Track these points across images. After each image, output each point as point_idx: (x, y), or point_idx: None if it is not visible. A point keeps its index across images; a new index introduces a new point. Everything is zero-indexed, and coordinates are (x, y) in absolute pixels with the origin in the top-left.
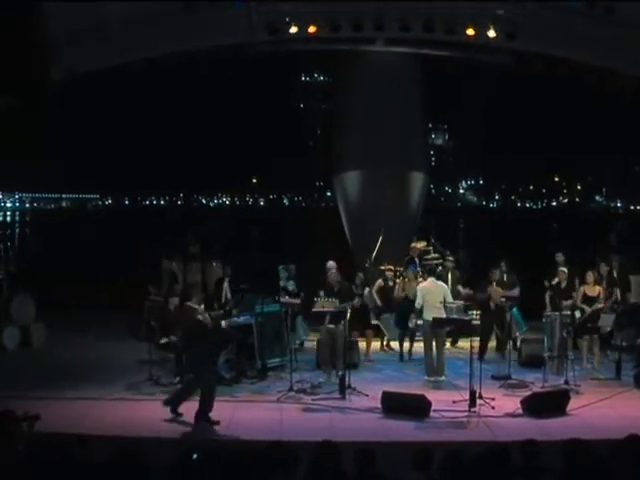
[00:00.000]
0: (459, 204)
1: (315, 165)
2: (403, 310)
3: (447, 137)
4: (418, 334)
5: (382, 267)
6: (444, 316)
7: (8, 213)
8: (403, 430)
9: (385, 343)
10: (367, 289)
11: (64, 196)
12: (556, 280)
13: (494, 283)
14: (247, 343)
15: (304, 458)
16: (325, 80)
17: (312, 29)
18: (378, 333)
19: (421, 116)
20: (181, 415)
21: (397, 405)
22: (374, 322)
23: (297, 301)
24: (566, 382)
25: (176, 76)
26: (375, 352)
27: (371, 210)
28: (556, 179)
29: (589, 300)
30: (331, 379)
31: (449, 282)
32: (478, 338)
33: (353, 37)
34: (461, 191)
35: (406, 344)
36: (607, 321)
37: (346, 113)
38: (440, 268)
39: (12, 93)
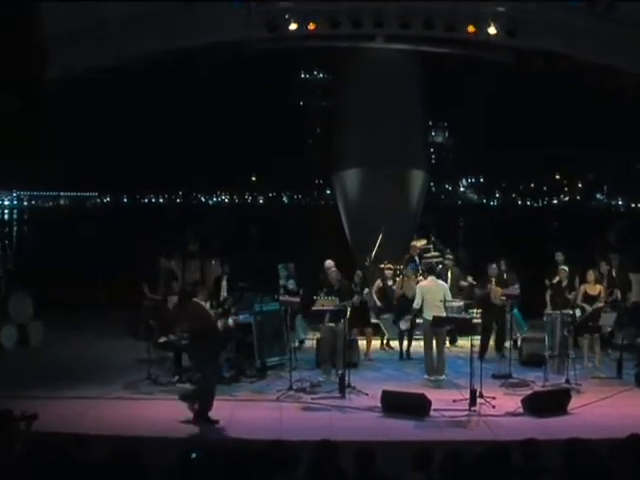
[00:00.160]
0: (459, 202)
1: (314, 163)
2: (402, 309)
3: (447, 135)
4: (418, 333)
5: (382, 266)
6: (444, 315)
7: (6, 211)
8: (403, 429)
9: (385, 342)
10: (367, 290)
11: (62, 194)
12: (557, 279)
13: (493, 280)
14: (246, 342)
15: (304, 457)
16: (325, 77)
17: (311, 26)
18: (378, 332)
19: (421, 114)
20: (217, 422)
21: (397, 404)
22: (374, 321)
23: (296, 300)
24: (567, 381)
25: (175, 74)
26: (375, 351)
27: (371, 208)
28: (557, 177)
29: (590, 299)
30: (330, 378)
31: (448, 280)
32: (478, 337)
33: (353, 34)
34: (461, 189)
35: (406, 342)
36: (608, 320)
37: (346, 111)
38: (440, 266)
39: (10, 92)
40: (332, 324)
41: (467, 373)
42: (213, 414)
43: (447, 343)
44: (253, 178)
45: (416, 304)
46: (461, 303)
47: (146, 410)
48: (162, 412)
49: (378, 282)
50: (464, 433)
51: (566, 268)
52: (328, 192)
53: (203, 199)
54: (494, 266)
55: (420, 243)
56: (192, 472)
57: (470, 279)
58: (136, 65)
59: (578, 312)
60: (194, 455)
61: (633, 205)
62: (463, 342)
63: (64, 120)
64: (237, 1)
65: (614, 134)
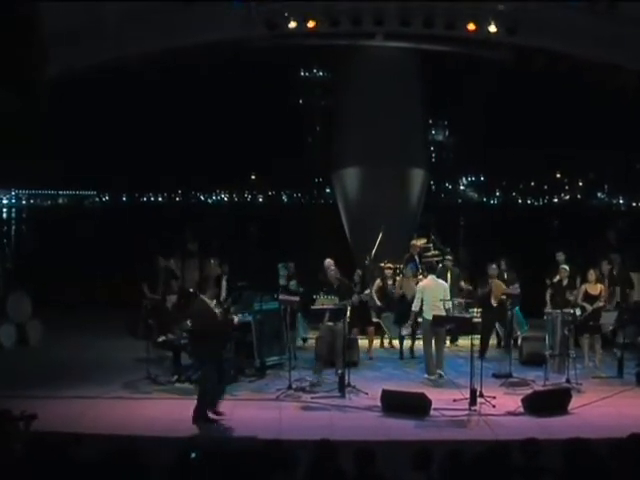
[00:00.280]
0: (459, 201)
1: (314, 162)
2: (402, 308)
3: (447, 133)
4: (418, 332)
5: (381, 265)
6: (444, 314)
7: (4, 210)
8: (403, 429)
9: (388, 341)
10: (367, 290)
11: (61, 193)
12: (557, 278)
13: (494, 279)
14: (246, 341)
15: (303, 457)
16: (324, 76)
17: (311, 24)
18: (378, 331)
19: (421, 112)
20: (222, 414)
21: (397, 404)
22: (375, 320)
23: (296, 299)
24: (567, 380)
25: (174, 73)
26: (374, 350)
27: (371, 207)
28: (557, 175)
29: (591, 298)
30: (322, 377)
31: (448, 280)
32: (479, 336)
33: (352, 32)
34: (461, 188)
35: (408, 342)
36: (609, 319)
37: (346, 109)
38: (440, 266)
39: (9, 91)
40: (331, 323)
41: (467, 372)
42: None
43: (447, 342)
44: (252, 177)
45: (415, 306)
46: (462, 301)
47: (145, 410)
48: (161, 412)
49: (378, 281)
50: (464, 433)
51: (567, 267)
52: (328, 191)
53: (202, 198)
54: (494, 266)
55: (420, 242)
56: (191, 472)
57: (467, 285)
58: (135, 64)
59: (578, 311)
60: (194, 455)
61: (634, 204)
62: (464, 342)
63: (63, 119)
64: (237, 1)
65: (615, 133)
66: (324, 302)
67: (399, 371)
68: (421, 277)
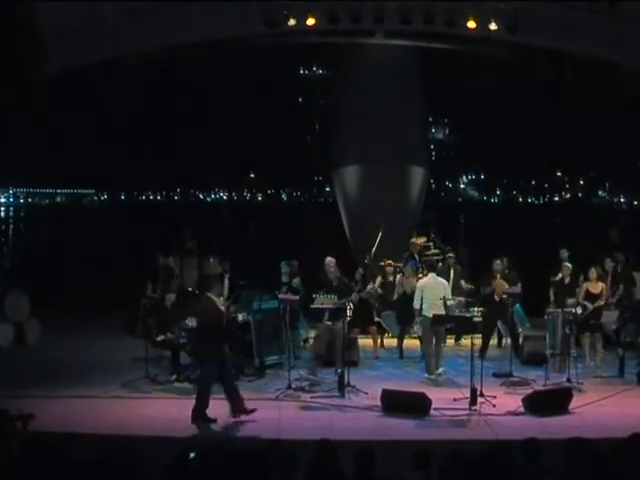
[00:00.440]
0: (460, 199)
1: (314, 160)
2: (402, 307)
3: (447, 131)
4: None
5: (382, 263)
6: (444, 313)
7: (2, 209)
8: (403, 428)
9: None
10: (370, 285)
11: (59, 191)
12: (559, 276)
13: (498, 276)
14: (245, 340)
15: (303, 457)
16: (324, 74)
17: (310, 21)
18: (378, 330)
19: (421, 110)
20: (215, 421)
21: (397, 403)
22: (375, 319)
23: (296, 298)
24: (568, 380)
25: (173, 71)
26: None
27: (371, 205)
28: (558, 174)
29: (592, 297)
30: (316, 377)
31: (451, 278)
32: (479, 335)
33: (352, 29)
34: (462, 186)
35: (406, 341)
36: (610, 317)
37: (345, 107)
38: (440, 264)
39: (7, 87)
40: (330, 323)
41: (467, 372)
42: (211, 413)
43: (452, 341)
44: (252, 175)
45: (415, 304)
46: (463, 300)
47: (144, 409)
48: (160, 411)
49: (379, 279)
50: (465, 432)
51: (569, 265)
52: (327, 189)
53: (201, 196)
54: (498, 261)
55: (420, 240)
56: (190, 472)
57: (469, 285)
58: (134, 61)
59: (580, 310)
60: (192, 455)
61: (635, 202)
62: (466, 341)
63: (61, 116)
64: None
65: (615, 132)
66: (323, 301)
67: (399, 371)
68: (420, 275)
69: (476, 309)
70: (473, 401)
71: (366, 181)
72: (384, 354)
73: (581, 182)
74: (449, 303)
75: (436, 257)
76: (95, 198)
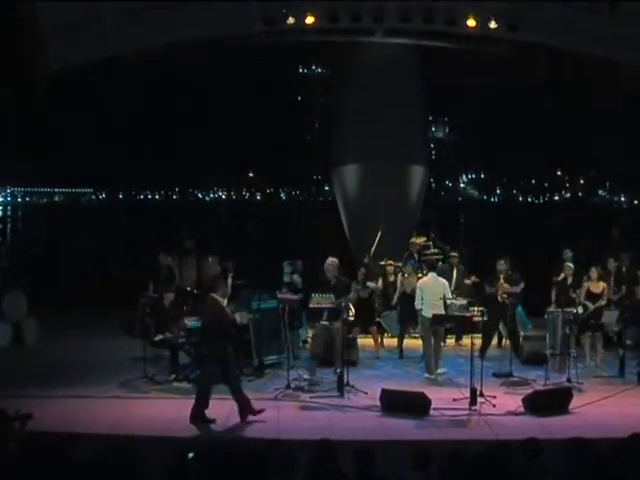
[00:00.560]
0: (460, 198)
1: (313, 159)
2: (402, 306)
3: (447, 130)
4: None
5: (383, 262)
6: (443, 313)
7: (0, 208)
8: (403, 428)
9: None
10: (373, 284)
11: (57, 190)
12: (562, 276)
13: (502, 276)
14: (244, 340)
15: (302, 457)
16: (324, 73)
17: (310, 20)
18: (378, 330)
19: (421, 109)
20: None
21: (397, 403)
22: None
23: (295, 297)
24: (568, 380)
25: (172, 69)
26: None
27: (370, 204)
28: (558, 173)
29: (593, 296)
30: (314, 377)
31: (454, 277)
32: (479, 335)
33: (352, 28)
34: (462, 185)
35: (406, 341)
36: (610, 317)
37: (345, 106)
38: (441, 264)
39: (6, 87)
40: (326, 322)
41: (467, 372)
42: (210, 413)
43: (452, 341)
44: (250, 174)
45: (417, 305)
46: (464, 301)
47: (142, 409)
48: (158, 411)
49: (380, 280)
50: (464, 432)
51: (571, 265)
52: (327, 188)
53: (200, 195)
54: (502, 262)
55: (420, 240)
56: (189, 472)
57: (474, 278)
58: (133, 60)
59: (581, 309)
60: (191, 455)
61: (635, 202)
62: (467, 340)
63: (59, 115)
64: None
65: (615, 131)
66: (319, 301)
67: (398, 370)
68: (420, 275)
69: (475, 308)
70: (473, 401)
71: (366, 180)
72: (384, 354)
73: (581, 181)
74: (449, 302)
75: (436, 256)
76: (93, 197)
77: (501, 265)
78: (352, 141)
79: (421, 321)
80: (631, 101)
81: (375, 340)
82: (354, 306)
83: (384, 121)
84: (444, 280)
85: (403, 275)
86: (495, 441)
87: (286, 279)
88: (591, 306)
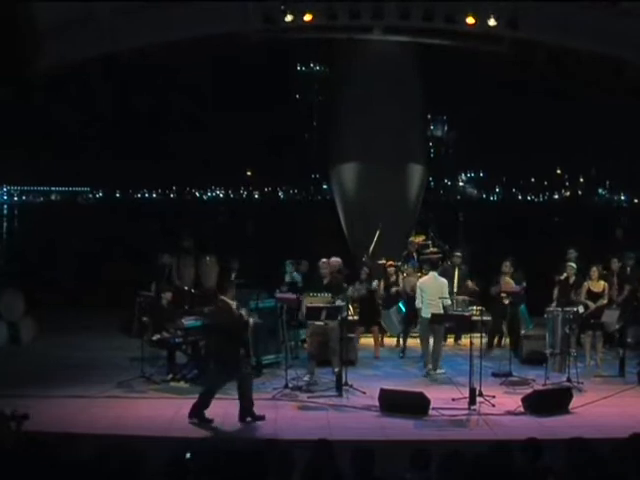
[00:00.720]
0: (459, 197)
1: (311, 157)
2: (406, 306)
3: (446, 129)
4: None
5: (382, 262)
6: (442, 312)
7: None
8: (402, 428)
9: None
10: (375, 282)
11: (54, 189)
12: (564, 275)
13: (506, 276)
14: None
15: (300, 457)
16: (322, 71)
17: (308, 17)
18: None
19: (420, 107)
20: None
21: (395, 403)
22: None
23: (294, 297)
24: (568, 379)
25: (169, 67)
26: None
27: (368, 203)
28: (558, 172)
29: (593, 296)
30: (314, 377)
31: (456, 277)
32: (478, 335)
33: (350, 25)
34: (461, 184)
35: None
36: (611, 317)
37: (343, 104)
38: (448, 263)
39: (2, 85)
40: (321, 322)
41: (467, 371)
42: (208, 413)
43: (450, 340)
44: (248, 173)
45: (417, 302)
46: (466, 297)
47: (140, 409)
48: (156, 411)
49: (382, 281)
50: (464, 432)
51: (574, 265)
52: (325, 187)
53: (197, 194)
54: (508, 263)
55: (418, 239)
56: (187, 472)
57: (473, 284)
58: (129, 57)
59: (581, 309)
60: (189, 455)
61: (636, 201)
62: (466, 340)
63: (55, 113)
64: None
65: (616, 130)
66: (312, 300)
67: (397, 370)
68: (420, 274)
69: (475, 307)
70: (472, 401)
71: (364, 179)
72: (385, 354)
73: (581, 180)
74: (446, 303)
75: (435, 255)
76: (90, 196)
77: (506, 267)
78: (350, 139)
79: (420, 321)
80: (632, 100)
81: (375, 340)
82: (353, 306)
83: (383, 119)
84: (444, 280)
85: (402, 274)
86: (495, 441)
87: (288, 278)
88: (592, 305)
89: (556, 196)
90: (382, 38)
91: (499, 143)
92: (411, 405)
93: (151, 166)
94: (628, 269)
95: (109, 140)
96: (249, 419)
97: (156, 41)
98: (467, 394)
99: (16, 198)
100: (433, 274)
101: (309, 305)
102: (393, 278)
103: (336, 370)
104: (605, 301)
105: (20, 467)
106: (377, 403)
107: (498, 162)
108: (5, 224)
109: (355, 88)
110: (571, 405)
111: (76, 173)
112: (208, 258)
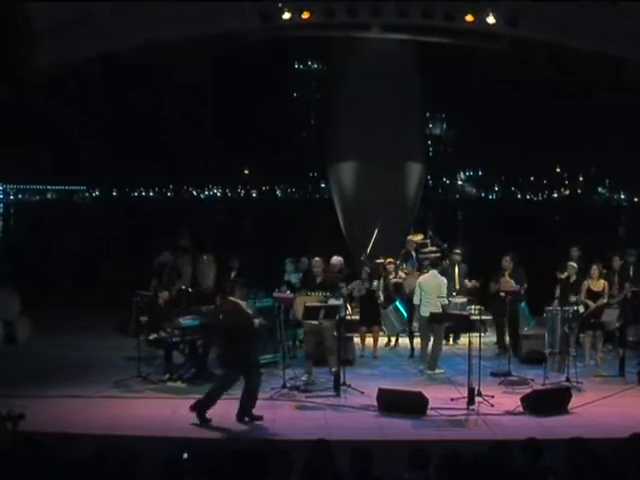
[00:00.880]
0: (457, 196)
1: (309, 156)
2: (407, 306)
3: (445, 127)
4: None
5: (381, 260)
6: (441, 312)
7: None
8: (400, 428)
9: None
10: (376, 282)
11: (50, 187)
12: (565, 274)
13: (506, 273)
14: None
15: (298, 457)
16: (320, 69)
17: (306, 15)
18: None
19: (418, 106)
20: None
21: (394, 403)
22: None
23: (291, 296)
24: (567, 379)
25: (167, 66)
26: (369, 348)
27: (367, 202)
28: (557, 170)
29: (593, 295)
30: (312, 377)
31: (456, 276)
32: (477, 334)
33: (348, 23)
34: (459, 182)
35: (404, 340)
36: (611, 316)
37: (341, 102)
38: (447, 262)
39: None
40: (316, 322)
41: (465, 371)
42: (207, 413)
43: (450, 340)
44: (246, 171)
45: (415, 299)
46: (464, 299)
47: (136, 409)
48: (153, 411)
49: (381, 280)
50: (462, 432)
51: (574, 264)
52: (323, 185)
53: (195, 193)
54: (508, 258)
55: (417, 238)
56: (183, 472)
57: (473, 282)
58: (127, 56)
59: (582, 308)
60: (186, 455)
61: (636, 199)
62: (465, 340)
63: (52, 112)
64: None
65: (616, 128)
66: (306, 299)
67: (396, 369)
68: (418, 273)
69: (474, 307)
70: (471, 401)
71: (362, 177)
72: (386, 353)
73: (580, 179)
74: (443, 302)
75: (433, 254)
76: (86, 194)
77: (506, 262)
78: (349, 138)
79: (418, 319)
80: (631, 98)
81: (375, 340)
82: (353, 305)
83: (381, 118)
84: (443, 279)
85: (402, 272)
86: (494, 441)
87: (287, 277)
88: (592, 304)
89: (555, 195)
90: (380, 36)
91: (498, 141)
92: (409, 405)
93: (148, 164)
94: (630, 267)
95: (106, 139)
96: (247, 419)
97: (153, 40)
98: (466, 394)
99: (12, 197)
100: (433, 272)
101: (308, 304)
102: (392, 275)
103: (333, 370)
104: (605, 300)
105: (16, 467)
106: (375, 403)
107: (497, 160)
108: (1, 223)
109: (353, 86)
110: (571, 405)
111: (73, 172)
112: (205, 257)
